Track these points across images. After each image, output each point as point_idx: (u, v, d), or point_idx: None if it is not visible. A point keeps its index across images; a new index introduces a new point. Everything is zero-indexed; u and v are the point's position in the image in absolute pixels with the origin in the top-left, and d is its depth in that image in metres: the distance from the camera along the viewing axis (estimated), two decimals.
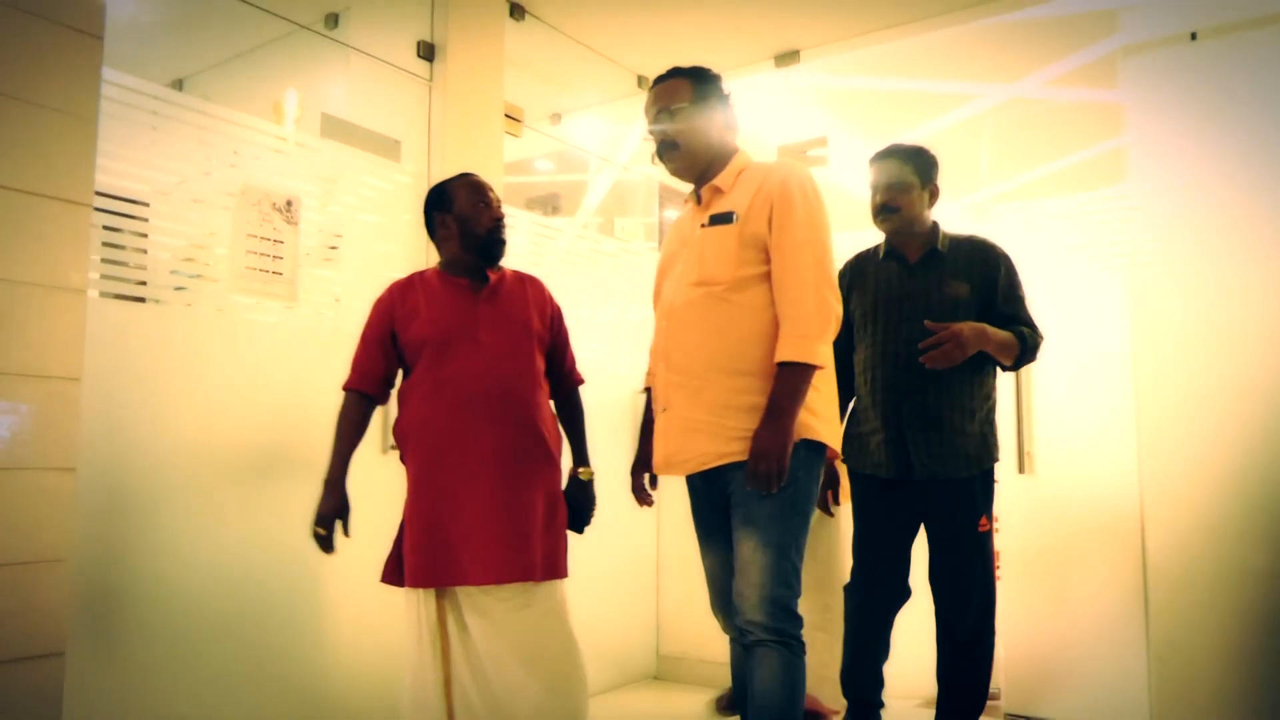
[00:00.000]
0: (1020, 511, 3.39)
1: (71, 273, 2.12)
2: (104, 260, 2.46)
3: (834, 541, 3.29)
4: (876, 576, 2.80)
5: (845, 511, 2.99)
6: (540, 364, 2.59)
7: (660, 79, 2.40)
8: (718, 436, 2.20)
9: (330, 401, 2.55)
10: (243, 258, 2.66)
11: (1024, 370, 3.11)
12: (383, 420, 2.95)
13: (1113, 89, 3.38)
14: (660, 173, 4.42)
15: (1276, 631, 2.72)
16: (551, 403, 2.68)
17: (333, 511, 2.42)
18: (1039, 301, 2.86)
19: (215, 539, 2.61)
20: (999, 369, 2.78)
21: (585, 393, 2.80)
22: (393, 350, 2.54)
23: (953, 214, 2.70)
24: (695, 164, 2.35)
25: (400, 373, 2.58)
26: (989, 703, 2.81)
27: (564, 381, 2.72)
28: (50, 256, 2.08)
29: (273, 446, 2.77)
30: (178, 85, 4.08)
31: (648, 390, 2.53)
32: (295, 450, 2.79)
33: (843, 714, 2.90)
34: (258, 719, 2.69)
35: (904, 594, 2.81)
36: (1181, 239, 2.97)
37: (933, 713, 2.80)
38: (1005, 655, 3.33)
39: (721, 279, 2.23)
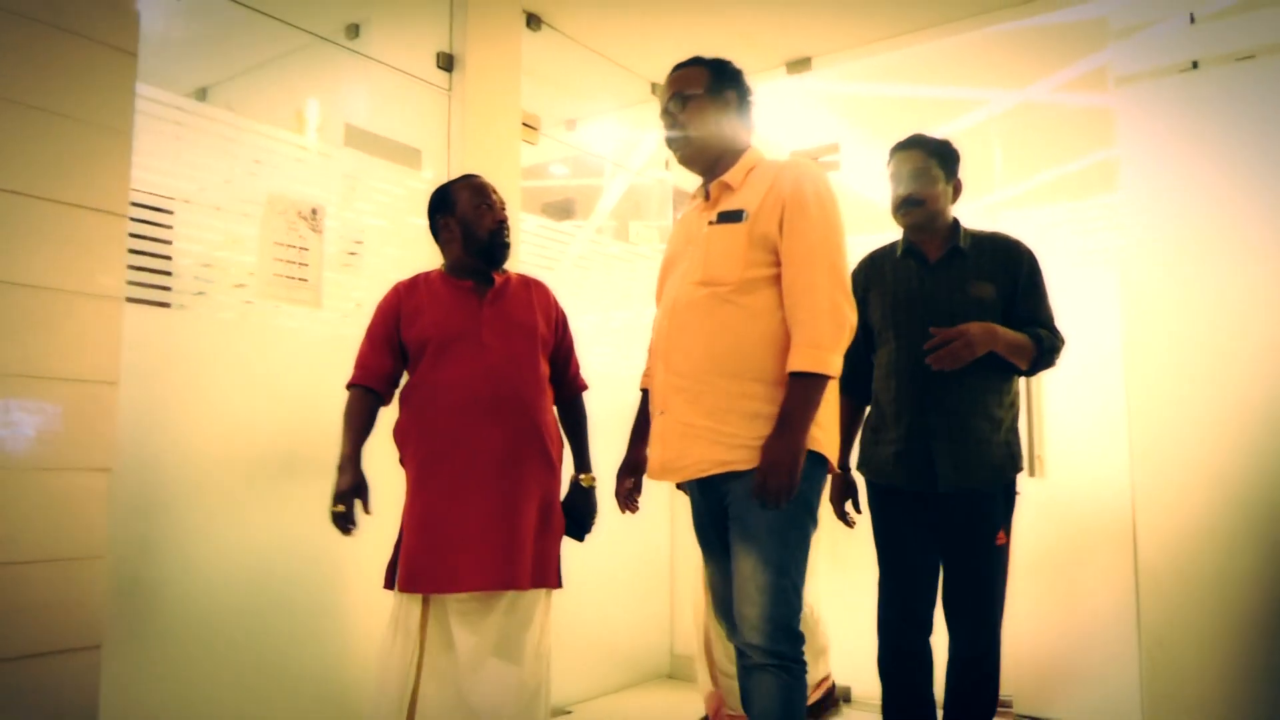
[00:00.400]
0: (1025, 515, 3.44)
1: (108, 280, 2.20)
2: (130, 266, 2.53)
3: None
4: (910, 609, 2.60)
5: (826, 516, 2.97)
6: (544, 368, 2.55)
7: (680, 65, 2.33)
8: (716, 443, 2.11)
9: None
10: (270, 265, 2.74)
11: (1032, 387, 3.11)
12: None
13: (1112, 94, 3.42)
14: (674, 177, 4.52)
15: (1267, 632, 2.75)
16: (556, 408, 2.66)
17: (350, 488, 2.36)
18: None
19: (241, 537, 2.69)
20: (1017, 374, 2.63)
21: (596, 397, 2.81)
22: (398, 349, 2.52)
23: (963, 219, 2.71)
24: (703, 155, 2.27)
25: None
26: (999, 709, 2.70)
27: (568, 387, 2.69)
28: (88, 264, 2.16)
29: (296, 447, 2.84)
30: (200, 95, 4.15)
31: (644, 391, 2.46)
32: (318, 451, 2.84)
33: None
34: (282, 711, 2.77)
35: (929, 622, 2.63)
36: (1173, 244, 2.99)
37: None
38: (1009, 657, 3.37)
39: (728, 279, 2.14)
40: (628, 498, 2.50)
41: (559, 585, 2.51)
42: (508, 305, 2.53)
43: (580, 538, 2.64)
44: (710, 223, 2.21)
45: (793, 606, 2.07)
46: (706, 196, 2.29)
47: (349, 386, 2.51)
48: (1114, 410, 3.22)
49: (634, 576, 4.15)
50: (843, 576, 2.58)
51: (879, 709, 2.72)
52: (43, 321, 2.08)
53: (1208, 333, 2.89)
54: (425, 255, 3.25)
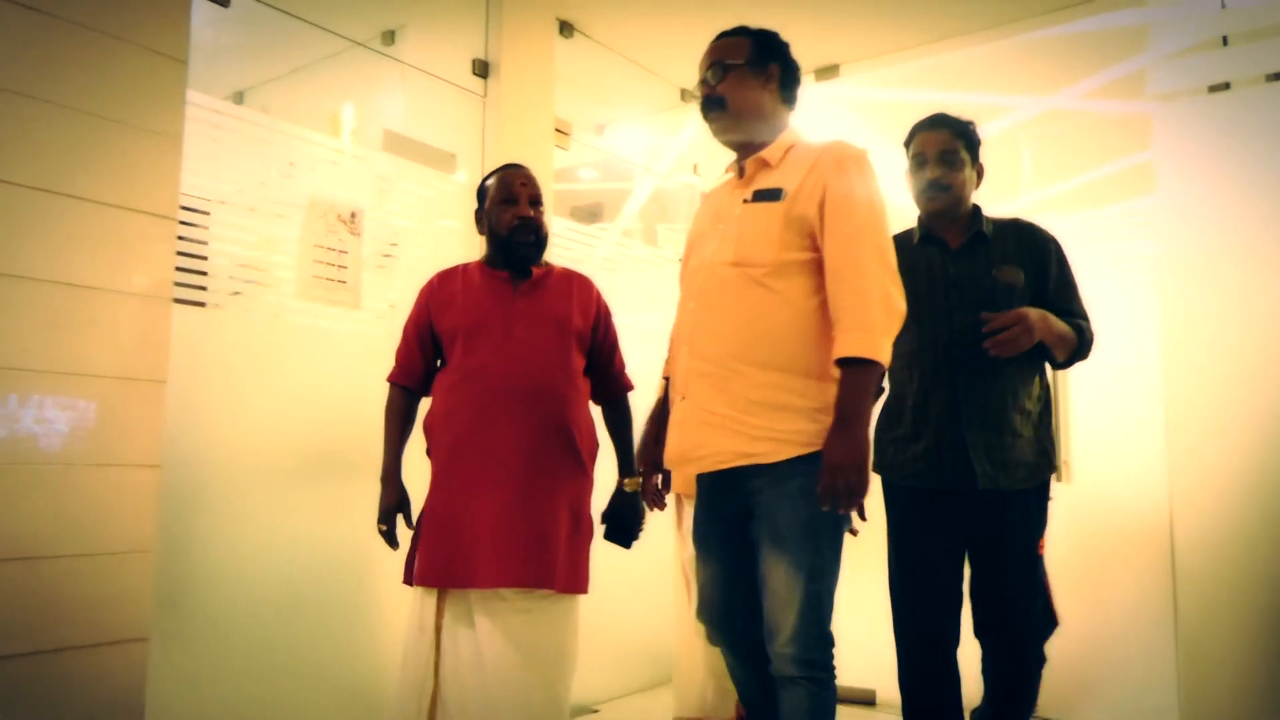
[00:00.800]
0: (1056, 519, 3.45)
1: (157, 280, 2.26)
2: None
3: None
4: (935, 626, 2.39)
5: None
6: (578, 363, 2.48)
7: (724, 33, 2.20)
8: (739, 434, 1.98)
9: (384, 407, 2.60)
10: (310, 267, 2.79)
11: (1060, 375, 3.07)
12: None
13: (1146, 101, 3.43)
14: (702, 182, 4.55)
15: None
16: (599, 409, 2.61)
17: (393, 506, 2.45)
18: None
19: (273, 534, 2.73)
20: (1048, 366, 2.49)
21: None
22: (430, 343, 2.51)
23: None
24: (740, 129, 2.15)
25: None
26: None
27: (611, 385, 2.62)
28: (138, 266, 2.22)
29: (329, 446, 2.89)
30: (238, 98, 4.23)
31: (667, 380, 2.33)
32: (351, 449, 2.90)
33: None
34: (316, 706, 2.81)
35: (958, 636, 2.42)
36: (1211, 247, 2.99)
37: None
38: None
39: (761, 261, 2.01)
40: (655, 494, 2.41)
41: (587, 591, 2.44)
42: (543, 297, 2.48)
43: (628, 545, 2.55)
44: (745, 201, 2.10)
45: (827, 613, 1.98)
46: (740, 173, 2.18)
47: (388, 381, 2.55)
48: (1150, 411, 3.19)
49: (642, 580, 4.16)
50: (864, 574, 2.52)
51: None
52: (95, 321, 2.14)
53: (1247, 331, 2.88)
54: (457, 257, 3.29)
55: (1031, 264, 2.43)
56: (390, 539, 2.47)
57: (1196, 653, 2.92)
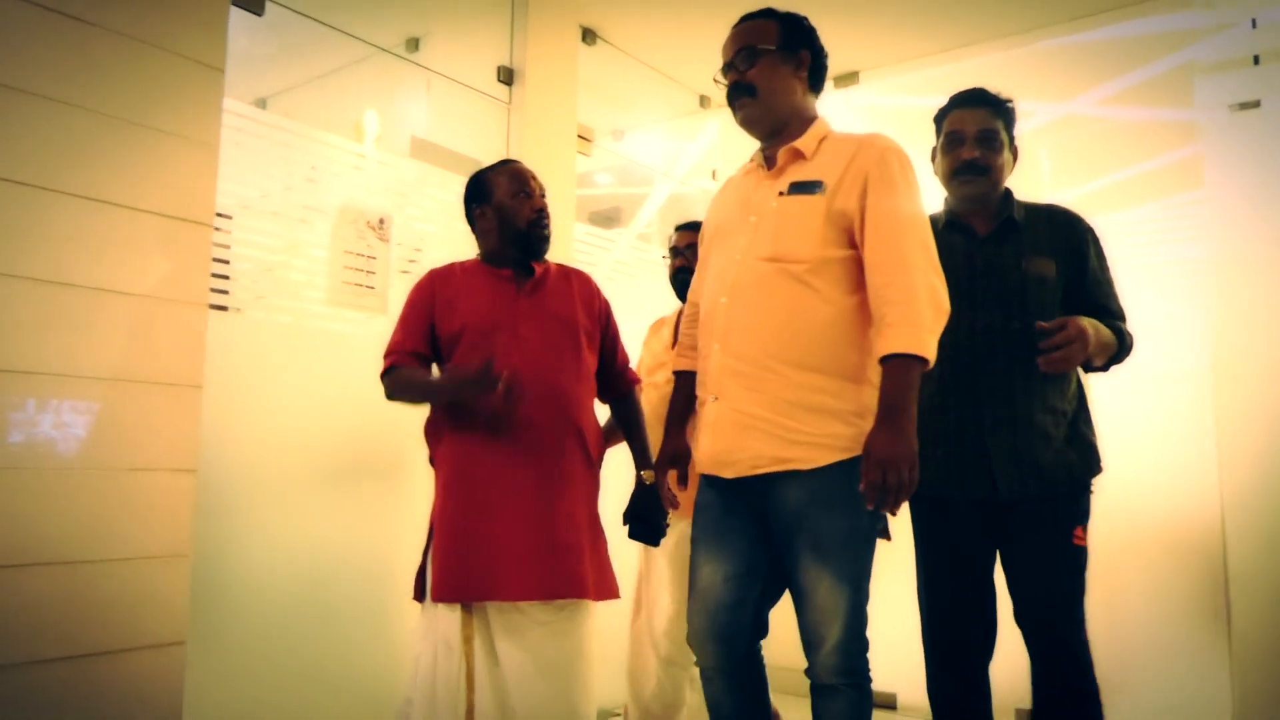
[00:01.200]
0: (1105, 524, 3.41)
1: (194, 287, 2.29)
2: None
3: None
4: (958, 632, 2.28)
5: None
6: (588, 362, 2.41)
7: (749, 16, 2.11)
8: (775, 437, 1.91)
9: (408, 410, 2.54)
10: (340, 273, 2.81)
11: (1086, 377, 3.05)
12: None
13: (1175, 106, 3.46)
14: (720, 185, 4.55)
15: None
16: (607, 406, 2.55)
17: (454, 376, 2.27)
18: None
19: (297, 539, 2.74)
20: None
21: None
22: (430, 338, 2.37)
23: None
24: (770, 117, 2.06)
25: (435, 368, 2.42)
26: None
27: (618, 381, 2.53)
28: (175, 272, 2.25)
29: (351, 450, 2.90)
30: (261, 104, 4.25)
31: (679, 375, 2.26)
32: (373, 454, 2.91)
33: None
34: (354, 710, 2.82)
35: (990, 648, 2.31)
36: (1263, 247, 2.99)
37: None
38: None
39: (802, 257, 1.93)
40: (670, 495, 2.28)
41: (619, 595, 2.36)
42: (546, 296, 2.39)
43: (655, 541, 2.46)
44: (781, 193, 2.01)
45: (865, 621, 1.94)
46: (768, 163, 2.09)
47: (385, 370, 2.35)
48: (1200, 414, 3.20)
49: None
50: (884, 577, 2.46)
51: (925, 716, 2.59)
52: (133, 327, 2.17)
53: None
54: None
55: (1066, 254, 2.25)
56: (479, 385, 2.14)
57: (1249, 655, 2.91)
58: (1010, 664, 2.38)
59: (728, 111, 2.15)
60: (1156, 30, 3.49)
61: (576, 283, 2.47)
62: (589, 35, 3.80)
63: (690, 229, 3.01)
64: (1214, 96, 3.14)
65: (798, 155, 2.03)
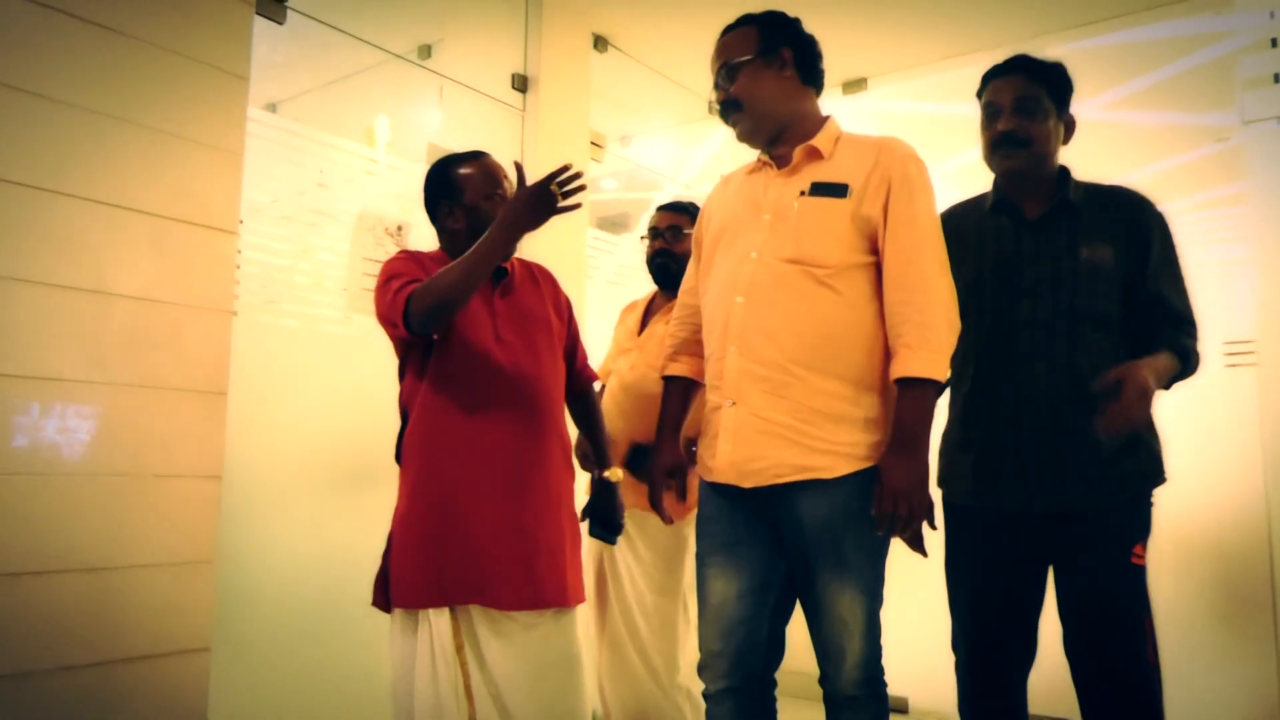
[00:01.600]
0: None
1: (219, 294, 2.30)
2: None
3: None
4: (990, 650, 2.10)
5: None
6: (561, 363, 2.32)
7: (729, 28, 2.07)
8: (797, 446, 1.85)
9: None
10: (359, 279, 2.83)
11: None
12: None
13: (1180, 111, 3.48)
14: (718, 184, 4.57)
15: None
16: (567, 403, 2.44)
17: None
18: None
19: (310, 544, 2.75)
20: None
21: None
22: None
23: None
24: (764, 126, 2.02)
25: (406, 375, 2.23)
26: None
27: (578, 379, 2.43)
28: (201, 279, 2.26)
29: (363, 454, 2.87)
30: (271, 108, 4.26)
31: (668, 381, 2.17)
32: (387, 457, 2.89)
33: None
34: (378, 716, 2.83)
35: (1029, 662, 2.11)
36: None
37: None
38: None
39: (828, 262, 1.88)
40: (665, 505, 2.16)
41: (585, 599, 2.28)
42: (521, 297, 2.26)
43: (613, 540, 2.45)
44: (802, 193, 1.94)
45: (880, 630, 1.90)
46: (779, 162, 2.02)
47: (407, 301, 2.02)
48: (1246, 419, 3.21)
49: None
50: (895, 582, 2.40)
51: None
52: (160, 334, 2.18)
53: None
54: None
55: (1125, 241, 2.02)
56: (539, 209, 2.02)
57: None
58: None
59: None
60: (1168, 35, 3.53)
61: (543, 281, 2.36)
62: (600, 42, 3.83)
63: (672, 210, 2.92)
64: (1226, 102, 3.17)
65: (815, 154, 1.98)
